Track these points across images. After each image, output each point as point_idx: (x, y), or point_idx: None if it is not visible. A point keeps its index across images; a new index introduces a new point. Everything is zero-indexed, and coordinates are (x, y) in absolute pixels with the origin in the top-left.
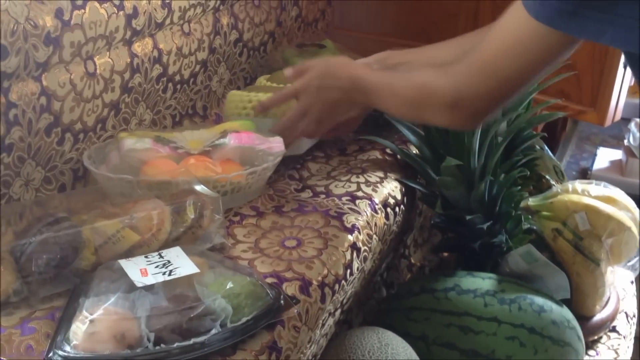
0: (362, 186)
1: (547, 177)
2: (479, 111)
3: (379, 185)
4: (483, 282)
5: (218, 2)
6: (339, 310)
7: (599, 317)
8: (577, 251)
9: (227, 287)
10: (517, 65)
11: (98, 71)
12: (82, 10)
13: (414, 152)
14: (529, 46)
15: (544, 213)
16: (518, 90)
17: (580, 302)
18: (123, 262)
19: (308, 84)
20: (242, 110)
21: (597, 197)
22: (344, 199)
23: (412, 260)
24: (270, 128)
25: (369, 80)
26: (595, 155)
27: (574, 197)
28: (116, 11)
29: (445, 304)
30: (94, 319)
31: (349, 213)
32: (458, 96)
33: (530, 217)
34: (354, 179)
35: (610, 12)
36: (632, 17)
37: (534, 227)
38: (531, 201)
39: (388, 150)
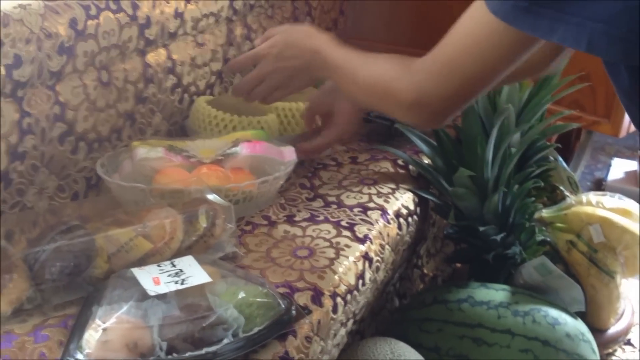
0: (374, 197)
1: (561, 188)
2: (439, 111)
3: (391, 196)
4: (496, 293)
5: (231, 12)
6: (351, 321)
7: (613, 330)
8: (591, 263)
9: (239, 296)
10: (477, 64)
11: (112, 81)
12: (96, 20)
13: (427, 162)
14: (488, 44)
15: (558, 225)
16: (479, 90)
17: (594, 314)
18: (136, 271)
19: (269, 50)
20: (207, 125)
21: (611, 209)
22: (355, 210)
23: (425, 271)
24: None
25: (330, 57)
26: (609, 166)
27: (589, 209)
28: (129, 21)
29: (459, 315)
30: (106, 328)
31: (360, 224)
32: (418, 96)
33: (544, 228)
34: (365, 190)
35: (561, 10)
36: (583, 16)
37: (548, 239)
38: (545, 212)
39: (400, 161)
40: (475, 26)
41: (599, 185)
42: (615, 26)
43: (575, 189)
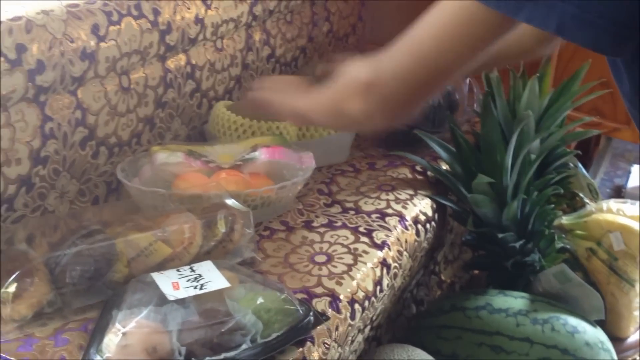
0: (392, 203)
1: (581, 195)
2: (394, 98)
3: (409, 202)
4: (515, 301)
5: (250, 18)
6: (368, 327)
7: (633, 338)
8: (611, 271)
9: (258, 302)
10: (442, 45)
11: (132, 86)
12: (118, 26)
13: (445, 168)
14: (458, 24)
15: (578, 232)
16: (438, 77)
17: (614, 323)
18: (155, 275)
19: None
20: (227, 130)
21: (632, 217)
22: (373, 216)
23: (443, 277)
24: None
25: (300, 106)
26: (629, 172)
27: (609, 217)
28: (150, 27)
29: (477, 322)
30: (126, 332)
31: (378, 230)
32: (375, 74)
33: (563, 236)
34: (383, 196)
35: None
36: None
37: (568, 247)
38: (565, 220)
39: (418, 167)
40: (445, 6)
41: (619, 192)
42: (587, 10)
43: (595, 196)
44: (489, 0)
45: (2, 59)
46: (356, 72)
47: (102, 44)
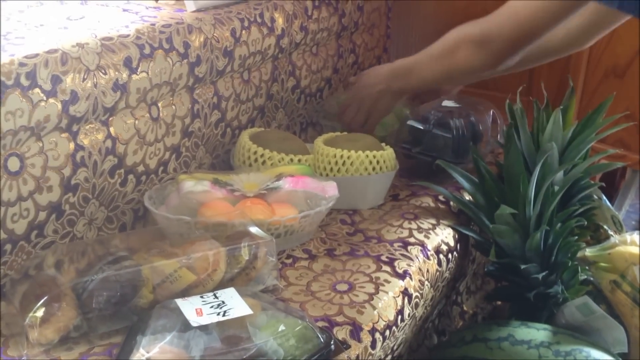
0: (415, 232)
1: (605, 227)
2: (501, 50)
3: (431, 231)
4: (538, 333)
5: (277, 50)
6: (389, 357)
7: None
8: (635, 304)
9: (279, 329)
10: (537, 15)
11: (161, 116)
12: (150, 59)
13: (468, 199)
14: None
15: (602, 264)
16: (534, 37)
17: (638, 356)
18: (179, 302)
19: (356, 88)
20: (246, 160)
21: None
22: (395, 244)
23: (465, 308)
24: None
25: (406, 61)
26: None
27: (633, 249)
28: (180, 60)
29: (498, 354)
30: (150, 358)
31: (400, 259)
32: (487, 34)
33: (587, 268)
34: (406, 224)
35: None
36: None
37: (591, 279)
38: (588, 252)
39: (441, 197)
40: None
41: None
42: None
43: (619, 228)
44: None
45: (38, 89)
46: (467, 29)
47: (134, 76)
